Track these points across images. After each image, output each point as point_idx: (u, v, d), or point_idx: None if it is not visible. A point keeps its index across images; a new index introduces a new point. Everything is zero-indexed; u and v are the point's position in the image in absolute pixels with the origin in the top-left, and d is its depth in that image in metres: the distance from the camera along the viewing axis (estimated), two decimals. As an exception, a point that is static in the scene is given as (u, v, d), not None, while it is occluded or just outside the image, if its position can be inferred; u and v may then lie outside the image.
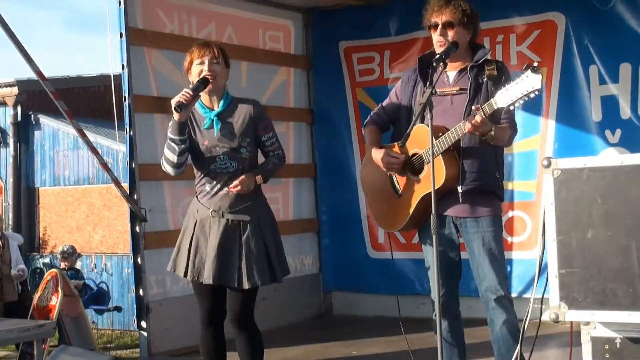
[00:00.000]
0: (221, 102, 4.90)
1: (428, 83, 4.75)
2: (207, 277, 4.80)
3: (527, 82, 4.33)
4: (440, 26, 4.73)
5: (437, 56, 4.64)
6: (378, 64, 8.62)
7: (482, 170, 4.71)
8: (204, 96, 4.90)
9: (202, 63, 4.82)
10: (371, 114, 5.20)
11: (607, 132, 7.40)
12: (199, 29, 7.71)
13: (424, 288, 7.85)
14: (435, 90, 4.49)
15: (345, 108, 8.77)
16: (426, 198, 4.66)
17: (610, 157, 3.64)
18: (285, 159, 5.12)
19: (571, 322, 3.51)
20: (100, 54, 53.48)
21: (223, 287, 4.89)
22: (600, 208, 3.31)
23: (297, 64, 8.82)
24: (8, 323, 6.33)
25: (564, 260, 3.35)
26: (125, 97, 6.95)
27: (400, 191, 4.93)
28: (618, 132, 7.36)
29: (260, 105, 5.03)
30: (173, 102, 4.71)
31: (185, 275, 4.91)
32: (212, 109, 4.91)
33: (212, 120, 4.88)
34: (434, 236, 4.36)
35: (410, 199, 4.85)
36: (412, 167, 4.85)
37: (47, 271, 9.86)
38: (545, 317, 3.51)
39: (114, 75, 7.19)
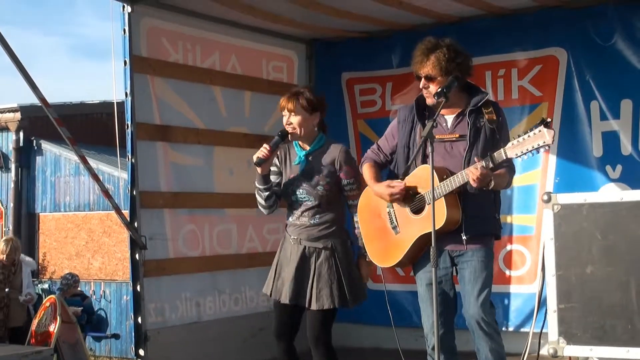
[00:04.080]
0: (312, 144, 5.33)
1: (427, 119, 4.79)
2: (284, 297, 5.26)
3: (540, 137, 4.38)
4: (423, 79, 4.83)
5: (439, 90, 4.68)
6: (380, 96, 8.64)
7: (482, 216, 4.82)
8: (299, 142, 5.38)
9: (285, 115, 5.33)
10: (368, 152, 5.28)
11: (608, 168, 7.40)
12: (203, 58, 7.75)
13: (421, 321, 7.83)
14: (436, 124, 4.53)
15: (347, 139, 8.76)
16: (424, 238, 4.74)
17: (610, 193, 3.67)
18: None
19: (569, 357, 3.51)
20: (105, 81, 53.71)
21: (299, 307, 5.29)
22: (599, 244, 3.32)
23: (300, 94, 8.83)
24: (7, 349, 6.32)
25: (563, 295, 3.36)
26: (127, 124, 6.97)
27: (398, 229, 4.96)
28: (619, 167, 7.36)
29: (348, 151, 5.35)
30: (254, 158, 5.25)
31: (271, 295, 5.38)
32: (303, 149, 5.36)
33: (301, 158, 5.33)
34: (432, 270, 4.38)
35: (408, 238, 4.89)
36: (413, 206, 4.88)
37: (45, 297, 9.84)
38: (544, 351, 3.51)
39: (117, 103, 7.22)
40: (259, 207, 5.44)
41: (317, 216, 5.24)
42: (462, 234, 4.76)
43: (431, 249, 4.37)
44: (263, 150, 5.22)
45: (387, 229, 5.03)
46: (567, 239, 3.36)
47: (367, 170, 5.17)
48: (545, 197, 3.44)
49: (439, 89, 4.71)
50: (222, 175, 7.83)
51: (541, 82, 7.76)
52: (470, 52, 7.76)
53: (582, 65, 7.54)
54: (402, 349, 5.43)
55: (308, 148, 5.33)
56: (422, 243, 4.76)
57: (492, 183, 4.64)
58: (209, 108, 7.80)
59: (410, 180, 4.89)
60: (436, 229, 4.52)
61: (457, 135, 4.83)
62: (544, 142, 4.37)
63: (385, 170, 5.18)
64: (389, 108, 8.53)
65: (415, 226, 4.82)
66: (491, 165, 4.56)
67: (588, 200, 3.35)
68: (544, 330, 3.47)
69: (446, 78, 4.78)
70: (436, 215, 4.53)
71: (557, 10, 7.61)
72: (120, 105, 7.15)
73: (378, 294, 8.43)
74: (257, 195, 5.40)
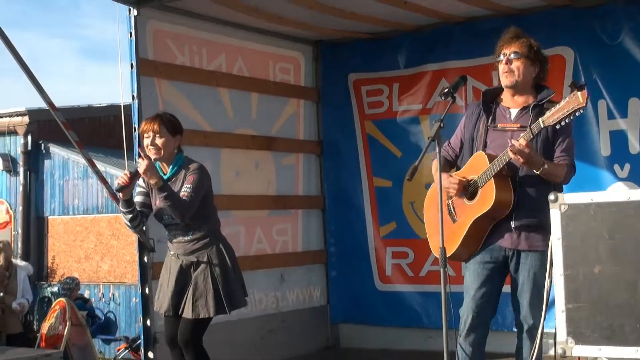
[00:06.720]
0: (170, 168, 5.59)
1: (494, 111, 4.95)
2: (168, 310, 5.63)
3: (574, 100, 4.47)
4: (506, 57, 4.90)
5: (446, 90, 4.76)
6: (387, 97, 8.63)
7: (536, 207, 4.76)
8: (160, 163, 5.60)
9: (147, 137, 5.53)
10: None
11: (616, 167, 7.38)
12: (209, 60, 7.75)
13: (431, 321, 7.82)
14: (443, 124, 4.59)
15: (354, 140, 8.77)
16: (478, 222, 4.84)
17: (617, 192, 3.66)
18: (187, 207, 5.44)
19: (578, 357, 3.51)
20: (112, 84, 53.83)
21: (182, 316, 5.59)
22: (607, 243, 3.32)
23: (307, 95, 8.84)
24: (16, 352, 6.33)
25: (571, 295, 3.36)
26: (134, 127, 6.98)
27: (455, 217, 5.03)
28: (627, 166, 7.34)
29: (198, 167, 5.58)
30: (115, 184, 5.48)
31: (155, 307, 5.81)
32: (164, 172, 5.60)
33: None
34: (441, 270, 4.42)
35: (463, 224, 4.95)
36: (468, 193, 4.93)
37: (55, 300, 9.87)
38: (553, 351, 3.51)
39: (124, 106, 7.23)
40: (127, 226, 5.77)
41: (190, 232, 5.56)
42: (511, 222, 4.81)
43: (439, 250, 4.39)
44: (123, 177, 5.44)
45: (447, 220, 5.06)
46: (574, 239, 3.36)
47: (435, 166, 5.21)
48: (552, 197, 3.44)
49: (447, 90, 4.77)
50: (229, 177, 7.84)
51: (548, 81, 7.69)
52: (476, 52, 7.79)
53: (589, 64, 7.52)
54: (412, 350, 5.43)
55: (168, 170, 5.58)
56: (478, 228, 4.85)
57: (546, 166, 4.68)
58: (215, 110, 7.80)
59: (466, 168, 4.99)
60: (486, 210, 4.72)
61: (519, 126, 4.90)
62: (578, 105, 4.45)
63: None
64: (396, 109, 8.53)
65: (470, 211, 4.88)
66: (531, 136, 4.63)
67: (595, 199, 3.35)
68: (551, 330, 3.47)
69: (528, 62, 4.89)
70: (485, 196, 4.73)
71: (564, 10, 7.59)
72: (128, 108, 7.16)
73: (387, 295, 8.51)
74: (122, 217, 5.71)
